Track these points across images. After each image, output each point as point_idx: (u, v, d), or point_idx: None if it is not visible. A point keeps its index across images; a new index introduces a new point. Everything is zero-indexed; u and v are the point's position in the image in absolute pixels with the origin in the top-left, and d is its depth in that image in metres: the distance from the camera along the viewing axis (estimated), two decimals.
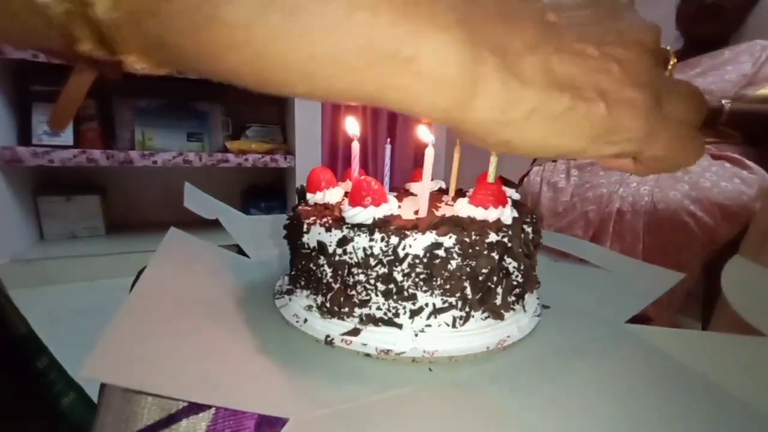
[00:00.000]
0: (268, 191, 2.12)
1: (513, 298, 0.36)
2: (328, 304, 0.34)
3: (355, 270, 0.32)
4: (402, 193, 0.49)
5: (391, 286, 0.32)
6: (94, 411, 0.48)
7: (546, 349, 0.34)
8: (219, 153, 1.74)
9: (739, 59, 1.17)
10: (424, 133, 0.36)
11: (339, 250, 0.33)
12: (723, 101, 1.09)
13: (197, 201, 0.55)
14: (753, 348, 0.34)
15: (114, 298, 0.53)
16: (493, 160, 0.43)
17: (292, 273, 0.40)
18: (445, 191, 0.52)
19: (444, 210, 0.39)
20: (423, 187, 0.35)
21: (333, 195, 0.40)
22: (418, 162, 2.26)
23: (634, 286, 0.45)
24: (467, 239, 0.31)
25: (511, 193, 0.47)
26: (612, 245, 1.06)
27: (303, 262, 0.37)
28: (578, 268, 0.51)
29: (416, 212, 0.37)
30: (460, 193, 0.51)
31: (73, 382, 0.49)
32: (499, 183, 0.36)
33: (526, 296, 0.38)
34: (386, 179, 0.50)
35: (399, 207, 0.40)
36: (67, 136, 1.59)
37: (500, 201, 0.35)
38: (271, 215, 0.64)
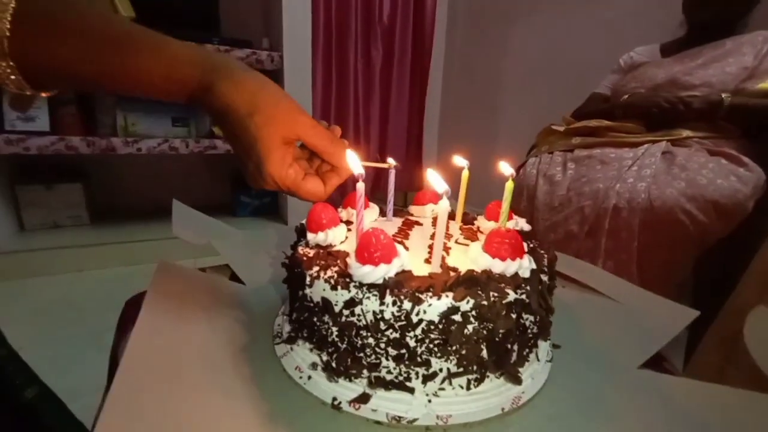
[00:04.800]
0: None
1: (527, 351, 0.35)
2: (334, 364, 0.32)
3: (363, 332, 0.30)
4: (406, 223, 0.46)
5: (404, 351, 0.30)
6: (60, 407, 0.46)
7: (560, 406, 0.33)
8: (206, 139, 1.67)
9: (741, 51, 1.14)
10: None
11: (346, 311, 0.30)
12: (723, 95, 1.07)
13: (186, 223, 0.52)
14: None
15: (101, 289, 0.50)
16: (509, 186, 0.40)
17: (293, 318, 0.38)
18: (451, 216, 0.50)
19: (456, 255, 0.36)
20: (437, 240, 0.32)
21: (336, 236, 0.37)
22: (411, 138, 2.20)
23: (646, 323, 0.44)
24: (485, 302, 0.29)
25: (523, 225, 0.45)
26: (607, 242, 1.05)
27: (306, 315, 0.34)
28: (588, 299, 0.49)
29: (427, 260, 0.35)
30: (467, 220, 0.48)
31: (35, 378, 0.48)
32: (515, 233, 0.33)
33: (540, 343, 0.37)
34: (389, 206, 0.47)
35: (407, 249, 0.37)
36: (42, 122, 1.50)
37: (517, 252, 0.33)
38: (266, 229, 0.61)
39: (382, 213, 0.48)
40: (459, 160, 0.46)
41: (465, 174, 0.46)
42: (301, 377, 0.34)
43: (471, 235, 0.42)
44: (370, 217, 0.46)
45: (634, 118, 1.18)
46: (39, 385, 0.47)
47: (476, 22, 2.09)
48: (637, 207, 1.02)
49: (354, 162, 0.36)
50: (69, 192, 1.69)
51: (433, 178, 0.34)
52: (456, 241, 0.40)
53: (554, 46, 1.75)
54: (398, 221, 0.47)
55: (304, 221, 0.39)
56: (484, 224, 0.45)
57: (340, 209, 0.47)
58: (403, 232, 0.42)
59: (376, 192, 2.13)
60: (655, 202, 1.00)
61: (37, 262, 1.50)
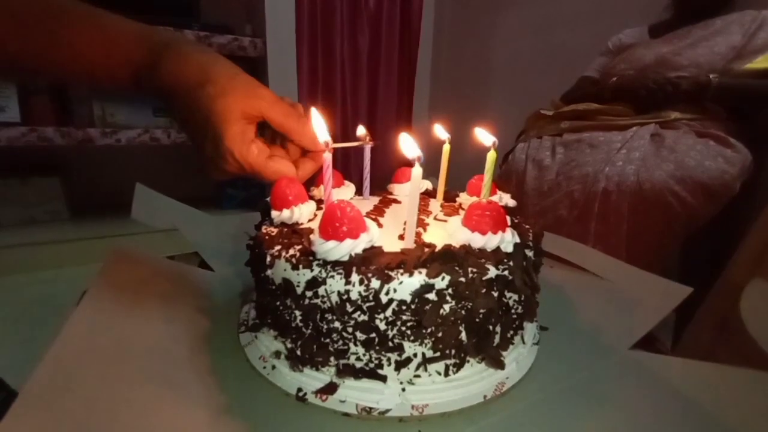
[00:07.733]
0: None
1: (511, 333, 0.32)
2: (298, 352, 0.29)
3: (329, 316, 0.27)
4: (384, 201, 0.43)
5: (373, 335, 0.27)
6: None
7: (547, 392, 0.30)
8: None
9: (729, 30, 1.12)
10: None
11: (309, 293, 0.27)
12: (711, 76, 1.05)
13: (149, 207, 0.48)
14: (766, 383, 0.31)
15: (81, 287, 0.47)
16: (491, 157, 0.36)
17: (257, 305, 0.35)
18: (432, 194, 0.47)
19: (433, 231, 0.33)
20: (410, 212, 0.29)
21: (303, 213, 0.34)
22: (401, 125, 2.14)
23: (637, 302, 0.42)
24: (463, 279, 0.26)
25: (507, 200, 0.42)
26: (596, 226, 1.04)
27: (268, 299, 0.31)
28: (577, 279, 0.47)
29: (401, 236, 0.32)
30: (449, 197, 0.45)
31: (2, 384, 0.44)
32: (497, 205, 0.30)
33: (525, 324, 0.34)
34: (366, 183, 0.44)
35: (380, 227, 0.34)
36: (12, 112, 1.43)
37: (499, 224, 0.30)
38: (239, 213, 0.57)
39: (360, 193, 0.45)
40: (439, 131, 0.42)
41: (446, 148, 0.43)
42: (264, 367, 0.30)
43: (451, 212, 0.39)
44: (344, 196, 0.43)
45: (623, 100, 1.16)
46: (6, 391, 0.44)
47: (464, 7, 2.05)
48: (626, 190, 1.01)
49: (319, 128, 0.32)
50: (46, 186, 1.63)
51: (405, 143, 0.31)
52: (435, 218, 0.37)
53: (543, 30, 1.72)
54: (375, 200, 0.44)
55: (268, 198, 0.36)
56: (466, 200, 0.42)
57: (312, 188, 0.44)
58: (379, 210, 0.39)
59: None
60: (644, 184, 0.99)
61: (13, 259, 1.45)
